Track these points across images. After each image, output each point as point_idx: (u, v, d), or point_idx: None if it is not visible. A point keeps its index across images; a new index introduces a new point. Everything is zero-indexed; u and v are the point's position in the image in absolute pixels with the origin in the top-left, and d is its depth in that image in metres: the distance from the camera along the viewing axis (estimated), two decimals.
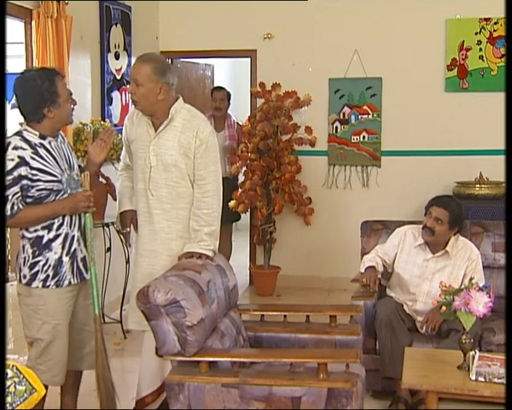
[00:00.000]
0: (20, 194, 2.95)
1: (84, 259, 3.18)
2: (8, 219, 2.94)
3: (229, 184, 6.13)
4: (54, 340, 3.08)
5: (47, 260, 3.05)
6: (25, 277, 3.07)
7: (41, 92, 2.98)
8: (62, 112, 3.05)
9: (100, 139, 3.25)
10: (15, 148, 2.95)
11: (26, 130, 3.04)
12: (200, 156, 3.30)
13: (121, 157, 3.64)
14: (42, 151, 3.01)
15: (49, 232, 3.05)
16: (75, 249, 3.12)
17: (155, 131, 3.34)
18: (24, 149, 2.96)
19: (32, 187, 2.97)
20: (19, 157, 2.94)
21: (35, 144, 3.00)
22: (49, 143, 3.06)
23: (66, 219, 3.08)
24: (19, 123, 3.10)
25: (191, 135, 3.29)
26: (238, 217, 6.36)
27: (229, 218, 6.17)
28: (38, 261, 3.05)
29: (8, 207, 2.92)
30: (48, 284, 3.05)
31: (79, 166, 3.32)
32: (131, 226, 3.49)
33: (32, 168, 2.96)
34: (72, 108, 3.15)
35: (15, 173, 2.92)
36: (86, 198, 3.06)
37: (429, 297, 3.82)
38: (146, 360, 3.41)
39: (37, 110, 3.00)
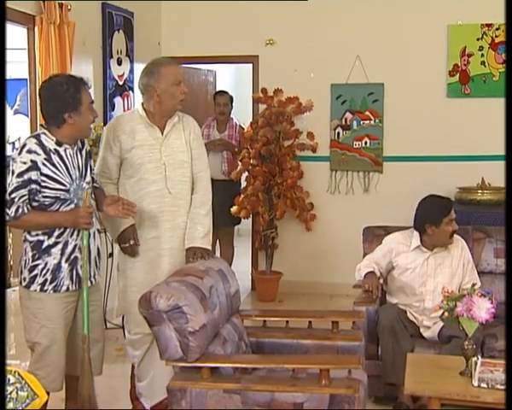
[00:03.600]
0: (27, 197, 2.96)
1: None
2: (11, 221, 2.96)
3: (232, 189, 6.15)
4: (51, 345, 3.08)
5: (46, 264, 3.05)
6: (25, 279, 3.08)
7: (64, 97, 3.00)
8: (82, 121, 3.06)
9: (122, 203, 3.21)
10: (29, 151, 2.97)
11: (44, 133, 3.05)
12: (195, 147, 3.54)
13: (102, 173, 3.47)
14: (55, 158, 3.02)
15: (49, 238, 3.06)
16: (76, 257, 3.12)
17: (161, 132, 3.45)
18: (38, 154, 2.97)
19: (40, 192, 2.98)
20: (31, 161, 2.95)
21: (50, 150, 3.01)
22: (65, 150, 3.07)
23: (68, 228, 3.08)
24: (39, 124, 3.12)
25: (189, 131, 3.55)
26: (239, 220, 6.36)
27: (230, 222, 6.19)
28: (37, 265, 3.06)
29: (13, 209, 2.93)
30: (46, 288, 3.06)
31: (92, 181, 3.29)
32: (135, 240, 3.45)
33: (42, 174, 2.97)
34: (93, 121, 3.15)
35: (26, 177, 2.94)
36: (88, 215, 3.06)
37: (436, 293, 3.84)
38: (159, 364, 3.37)
39: (58, 114, 3.02)
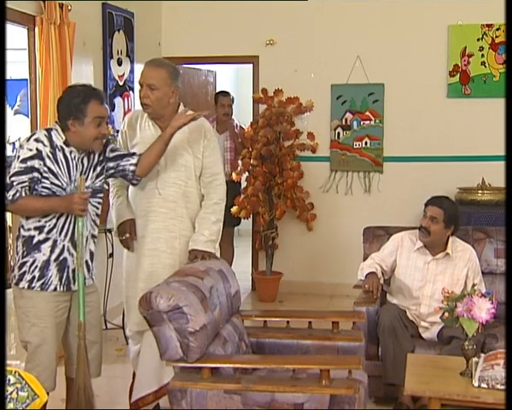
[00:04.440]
0: (27, 184, 3.00)
1: (74, 270, 3.16)
2: (8, 204, 3.02)
3: (233, 189, 6.13)
4: (41, 344, 3.09)
5: (34, 261, 3.08)
6: (15, 277, 3.13)
7: (69, 104, 3.05)
8: (85, 132, 3.07)
9: (185, 110, 3.35)
10: (37, 140, 3.04)
11: (56, 130, 3.10)
12: (209, 155, 3.47)
13: None
14: (59, 155, 3.06)
15: (39, 234, 3.09)
16: (65, 258, 3.13)
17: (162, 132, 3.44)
18: (44, 145, 3.03)
19: (41, 182, 3.03)
20: (37, 149, 3.01)
21: (56, 146, 3.06)
22: (70, 152, 3.10)
23: (58, 225, 3.10)
24: (54, 121, 3.19)
25: (199, 135, 3.47)
26: (239, 221, 6.37)
27: (230, 222, 6.17)
28: (26, 262, 3.09)
29: (11, 193, 2.99)
30: (33, 285, 3.08)
31: (124, 156, 3.33)
32: (131, 233, 3.50)
33: (45, 165, 3.02)
34: (99, 137, 3.12)
35: (29, 163, 2.99)
36: (82, 201, 3.06)
37: (433, 300, 3.84)
38: (144, 360, 3.41)
39: (63, 119, 3.08)
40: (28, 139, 3.05)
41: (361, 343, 3.36)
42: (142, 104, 3.42)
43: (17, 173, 2.99)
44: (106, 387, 3.99)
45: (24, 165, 2.99)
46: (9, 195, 2.99)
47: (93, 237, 3.26)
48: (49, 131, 3.11)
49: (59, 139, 3.08)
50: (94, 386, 3.27)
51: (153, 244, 3.43)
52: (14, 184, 2.98)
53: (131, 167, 3.29)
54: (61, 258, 3.12)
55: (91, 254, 3.26)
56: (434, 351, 3.73)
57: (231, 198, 6.02)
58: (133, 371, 3.67)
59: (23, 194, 3.00)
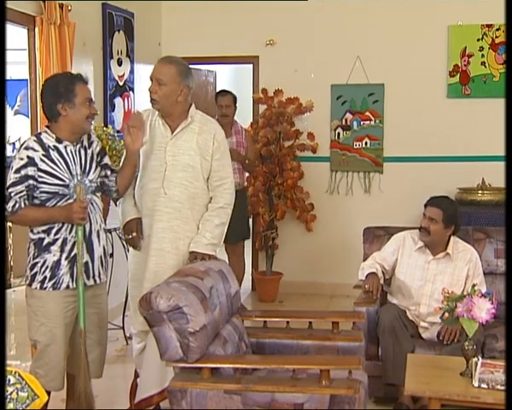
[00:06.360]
0: (24, 193, 3.02)
1: (86, 264, 3.18)
2: (9, 216, 3.04)
3: (242, 200, 5.44)
4: (50, 344, 3.11)
5: (45, 262, 3.09)
6: (27, 278, 3.14)
7: (58, 89, 3.06)
8: (77, 114, 3.08)
9: (131, 127, 3.27)
10: (27, 148, 3.05)
11: (46, 132, 3.12)
12: (218, 158, 3.44)
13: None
14: (54, 154, 3.07)
15: (48, 236, 3.10)
16: (76, 254, 3.13)
17: (172, 132, 3.42)
18: (35, 151, 3.04)
19: (38, 188, 3.04)
20: (28, 157, 3.02)
21: (48, 147, 3.07)
22: (65, 147, 3.11)
23: (66, 224, 3.11)
24: (45, 125, 3.19)
25: (209, 137, 3.44)
26: (248, 234, 5.91)
27: (241, 235, 5.64)
28: (37, 263, 3.11)
29: (11, 204, 3.01)
30: (45, 285, 3.10)
31: (112, 171, 3.35)
32: (137, 232, 3.50)
33: (39, 170, 3.03)
34: (90, 117, 3.15)
35: (23, 172, 3.01)
36: (82, 210, 3.06)
37: (432, 299, 3.84)
38: (147, 362, 3.41)
39: (52, 107, 3.08)
40: (19, 149, 3.08)
41: (361, 343, 3.36)
42: (150, 99, 3.42)
43: (13, 184, 3.01)
44: (106, 387, 3.98)
45: (18, 175, 3.01)
46: (9, 206, 3.01)
47: (105, 231, 3.28)
48: (38, 135, 3.13)
49: (50, 139, 3.09)
50: (94, 386, 3.27)
51: (158, 244, 3.42)
52: (12, 195, 3.01)
53: (115, 187, 3.35)
54: (72, 254, 3.13)
55: (104, 249, 3.27)
56: (434, 351, 3.73)
57: (241, 210, 5.38)
58: (135, 370, 3.67)
59: (22, 204, 3.02)
